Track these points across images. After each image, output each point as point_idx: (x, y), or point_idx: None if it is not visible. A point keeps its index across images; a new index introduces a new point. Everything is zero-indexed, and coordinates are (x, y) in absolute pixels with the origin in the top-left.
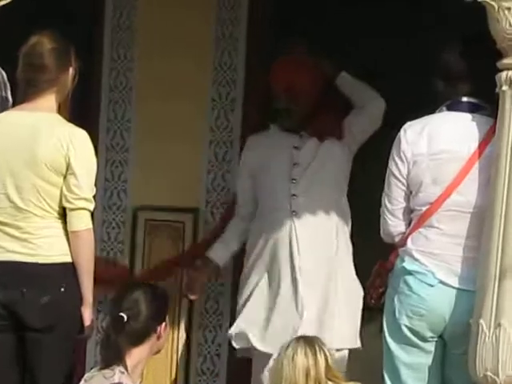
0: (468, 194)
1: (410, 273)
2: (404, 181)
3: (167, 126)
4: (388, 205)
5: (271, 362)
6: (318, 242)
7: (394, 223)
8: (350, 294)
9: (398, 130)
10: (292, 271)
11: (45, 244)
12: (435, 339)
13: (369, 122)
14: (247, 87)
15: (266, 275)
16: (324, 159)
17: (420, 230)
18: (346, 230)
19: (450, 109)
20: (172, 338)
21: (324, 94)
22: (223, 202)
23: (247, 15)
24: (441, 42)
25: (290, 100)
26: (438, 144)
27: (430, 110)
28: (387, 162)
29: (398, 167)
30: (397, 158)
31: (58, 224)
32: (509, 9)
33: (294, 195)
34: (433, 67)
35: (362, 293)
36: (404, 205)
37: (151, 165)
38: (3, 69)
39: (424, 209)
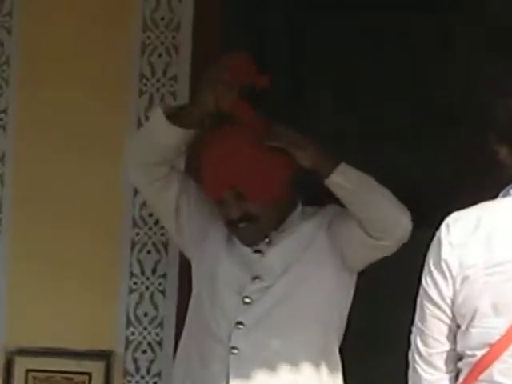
0: None
1: None
2: (447, 308)
3: None
4: (421, 347)
5: None
6: None
7: (431, 377)
8: None
9: (437, 227)
10: None
11: None
12: None
13: (378, 251)
14: None
15: None
16: (301, 277)
17: None
18: None
19: None
20: None
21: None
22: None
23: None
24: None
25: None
26: (504, 249)
27: (488, 193)
28: (418, 281)
29: (436, 286)
30: (435, 272)
31: None
32: None
33: (239, 323)
34: (487, 120)
35: None
36: (447, 347)
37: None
38: None
39: (479, 354)
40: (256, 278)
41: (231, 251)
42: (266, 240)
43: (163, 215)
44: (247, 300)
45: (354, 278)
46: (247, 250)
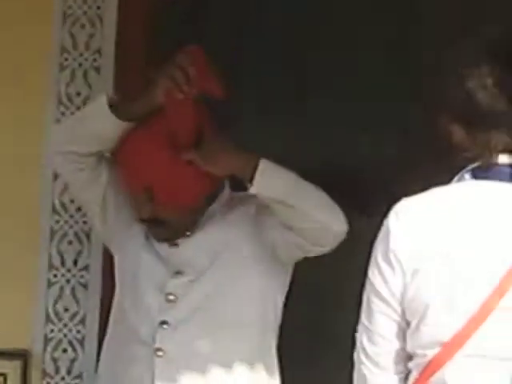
0: (507, 330)
1: None
2: (396, 304)
3: None
4: (368, 346)
5: None
6: None
7: (378, 378)
8: None
9: (384, 216)
10: None
11: None
12: None
13: (312, 252)
14: None
15: None
16: (229, 269)
17: None
18: None
19: (476, 176)
20: None
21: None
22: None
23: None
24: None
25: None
26: (457, 237)
27: (439, 177)
28: (363, 272)
29: (384, 279)
30: (383, 264)
31: None
32: None
33: (164, 323)
34: (438, 101)
35: None
36: (396, 346)
37: None
38: None
39: (431, 354)
40: (178, 272)
41: (150, 246)
42: (187, 233)
43: (88, 204)
44: (171, 297)
45: (290, 269)
46: (163, 245)
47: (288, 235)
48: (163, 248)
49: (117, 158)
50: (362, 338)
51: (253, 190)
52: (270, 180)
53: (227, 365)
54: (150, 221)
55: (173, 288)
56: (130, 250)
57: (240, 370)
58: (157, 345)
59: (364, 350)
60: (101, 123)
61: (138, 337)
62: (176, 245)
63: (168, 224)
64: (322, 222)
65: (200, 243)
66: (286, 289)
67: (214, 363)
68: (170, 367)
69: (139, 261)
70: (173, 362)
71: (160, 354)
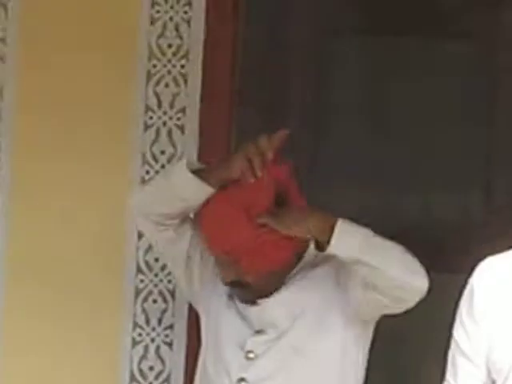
0: None
1: None
2: (480, 361)
3: None
4: None
5: None
6: None
7: None
8: None
9: (470, 273)
10: None
11: None
12: None
13: (392, 309)
14: None
15: None
16: (311, 328)
17: None
18: None
19: None
20: None
21: None
22: None
23: None
24: None
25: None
26: None
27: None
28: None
29: (468, 336)
30: (467, 321)
31: None
32: None
33: (242, 380)
34: None
35: None
36: None
37: None
38: None
39: None
40: (259, 332)
41: (232, 304)
42: (272, 294)
43: (173, 263)
44: (251, 355)
45: (371, 328)
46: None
47: (368, 294)
48: (245, 306)
49: (198, 220)
50: None
51: (330, 250)
52: (347, 240)
53: None
54: (234, 284)
55: (253, 346)
56: (213, 308)
57: None
58: None
59: None
60: (187, 188)
61: None
62: (256, 303)
63: (251, 287)
64: (401, 279)
65: (282, 303)
66: (368, 346)
67: None
68: None
69: (221, 319)
70: None
71: None
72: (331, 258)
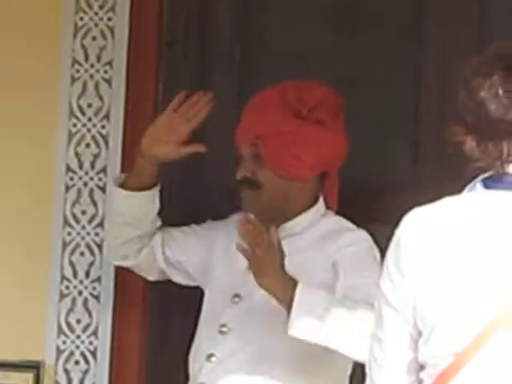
0: None
1: None
2: (406, 312)
3: None
4: (379, 357)
5: None
6: None
7: None
8: None
9: (396, 225)
10: None
11: None
12: None
13: None
14: None
15: None
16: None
17: None
18: None
19: (488, 186)
20: None
21: None
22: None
23: None
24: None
25: None
26: (468, 247)
27: (453, 187)
28: None
29: (394, 287)
30: (393, 272)
31: None
32: None
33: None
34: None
35: None
36: (408, 356)
37: None
38: None
39: (442, 364)
40: (236, 296)
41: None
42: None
43: (172, 275)
44: (223, 329)
45: None
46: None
47: None
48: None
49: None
50: (373, 348)
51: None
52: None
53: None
54: (246, 182)
55: (228, 319)
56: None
57: None
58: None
59: (376, 360)
60: (120, 203)
61: (201, 346)
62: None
63: (261, 193)
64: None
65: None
66: None
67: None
68: None
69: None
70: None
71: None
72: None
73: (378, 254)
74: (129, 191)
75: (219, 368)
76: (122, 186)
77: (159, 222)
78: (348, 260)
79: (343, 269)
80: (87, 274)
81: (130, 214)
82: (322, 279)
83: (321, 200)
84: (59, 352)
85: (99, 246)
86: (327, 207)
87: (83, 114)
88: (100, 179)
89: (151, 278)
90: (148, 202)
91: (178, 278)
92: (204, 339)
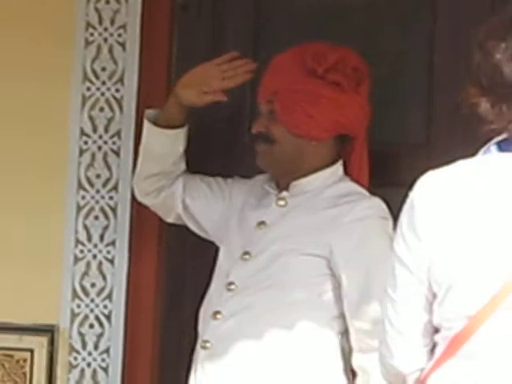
0: None
1: None
2: (421, 274)
3: None
4: (393, 318)
5: None
6: None
7: (404, 354)
8: None
9: (410, 188)
10: None
11: None
12: None
13: None
14: None
15: None
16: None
17: (451, 363)
18: None
19: (502, 149)
20: None
21: None
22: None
23: None
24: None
25: None
26: (483, 209)
27: (467, 150)
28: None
29: (409, 248)
30: (407, 234)
31: None
32: None
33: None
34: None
35: None
36: (423, 319)
37: None
38: None
39: (457, 327)
40: (246, 253)
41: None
42: (284, 194)
43: (191, 222)
44: (231, 287)
45: None
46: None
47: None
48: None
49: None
50: (387, 309)
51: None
52: None
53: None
54: (260, 137)
55: (236, 277)
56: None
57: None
58: (205, 337)
59: (390, 321)
60: (152, 140)
61: (210, 303)
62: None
63: (274, 148)
64: None
65: (280, 235)
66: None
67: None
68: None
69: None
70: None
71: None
72: (356, 206)
73: (391, 225)
74: (153, 125)
75: (223, 326)
76: (154, 121)
77: (183, 166)
78: (354, 265)
79: (348, 281)
80: (101, 238)
81: (152, 149)
82: (308, 250)
83: (338, 164)
84: (74, 316)
85: (113, 210)
86: (346, 173)
87: (97, 77)
88: (114, 143)
89: (169, 220)
90: (171, 142)
91: (194, 228)
92: (212, 296)
